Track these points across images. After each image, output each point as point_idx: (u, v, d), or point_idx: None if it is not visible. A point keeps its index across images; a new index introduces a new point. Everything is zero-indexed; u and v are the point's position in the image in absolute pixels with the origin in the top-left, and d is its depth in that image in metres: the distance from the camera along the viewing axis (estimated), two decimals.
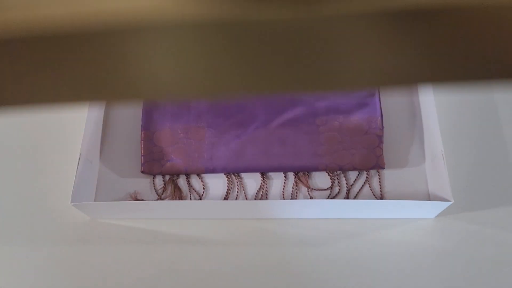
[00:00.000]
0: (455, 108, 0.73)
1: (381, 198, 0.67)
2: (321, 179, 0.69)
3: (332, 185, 0.68)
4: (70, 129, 0.73)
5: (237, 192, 0.69)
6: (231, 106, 0.71)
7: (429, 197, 0.67)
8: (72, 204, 0.61)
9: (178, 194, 0.68)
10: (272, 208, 0.64)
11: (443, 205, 0.61)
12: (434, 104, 0.67)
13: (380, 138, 0.68)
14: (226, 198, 0.68)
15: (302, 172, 0.69)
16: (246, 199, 0.68)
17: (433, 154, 0.67)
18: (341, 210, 0.64)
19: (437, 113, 0.66)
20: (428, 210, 0.63)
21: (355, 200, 0.62)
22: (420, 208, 0.63)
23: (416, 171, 0.69)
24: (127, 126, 0.73)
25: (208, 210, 0.65)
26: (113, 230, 0.66)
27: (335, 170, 0.68)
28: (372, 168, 0.68)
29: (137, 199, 0.68)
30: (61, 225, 0.67)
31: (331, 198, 0.68)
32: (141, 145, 0.69)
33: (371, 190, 0.68)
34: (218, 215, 0.66)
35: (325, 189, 0.68)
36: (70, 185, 0.62)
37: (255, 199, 0.68)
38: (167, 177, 0.70)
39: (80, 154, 0.65)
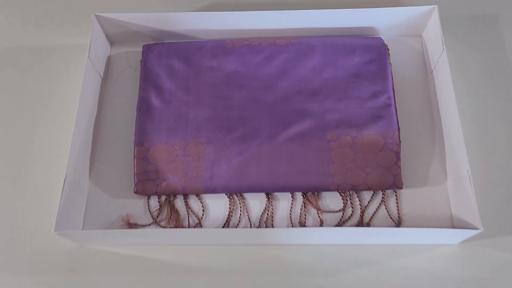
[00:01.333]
0: (481, 118, 0.66)
1: (399, 221, 0.61)
2: (332, 199, 0.62)
3: (345, 206, 0.62)
4: (55, 145, 0.66)
5: (240, 214, 0.62)
6: (233, 119, 0.64)
7: (452, 220, 0.60)
8: (56, 233, 0.55)
9: (174, 217, 0.62)
10: (279, 235, 0.58)
11: (471, 233, 0.54)
12: (457, 115, 0.60)
13: (397, 155, 0.62)
14: (227, 221, 0.62)
15: (311, 192, 0.62)
16: (250, 222, 0.61)
17: (456, 172, 0.60)
18: (356, 236, 0.58)
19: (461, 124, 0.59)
20: (452, 236, 0.57)
21: (370, 228, 0.56)
22: (443, 234, 0.56)
23: (437, 191, 0.62)
24: (119, 142, 0.66)
25: (207, 238, 0.59)
26: (103, 258, 0.60)
27: (347, 190, 0.61)
28: (389, 188, 0.61)
29: (129, 223, 0.61)
30: (45, 253, 0.60)
31: (344, 221, 0.61)
32: (134, 162, 0.63)
33: (387, 212, 0.61)
34: (219, 241, 0.60)
35: (336, 211, 0.62)
36: (56, 209, 0.56)
37: (259, 222, 0.61)
38: (163, 197, 0.63)
39: (66, 174, 0.58)
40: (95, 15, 0.68)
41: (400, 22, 0.70)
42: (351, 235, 0.57)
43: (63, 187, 0.57)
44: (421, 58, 0.71)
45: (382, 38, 0.70)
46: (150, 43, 0.70)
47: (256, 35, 0.72)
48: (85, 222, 0.62)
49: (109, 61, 0.72)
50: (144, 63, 0.68)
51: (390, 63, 0.67)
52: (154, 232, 0.57)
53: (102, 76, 0.70)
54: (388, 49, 0.68)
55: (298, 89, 0.65)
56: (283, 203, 0.62)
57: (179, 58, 0.67)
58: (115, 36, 0.73)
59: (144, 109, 0.65)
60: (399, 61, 0.70)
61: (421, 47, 0.72)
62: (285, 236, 0.57)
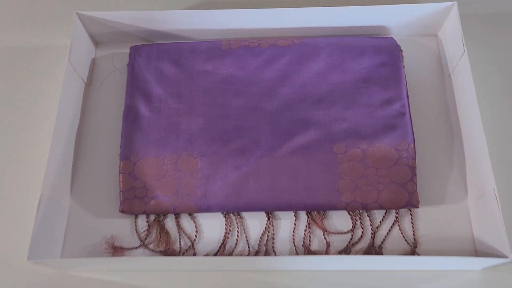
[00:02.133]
0: (507, 128, 0.60)
1: (415, 243, 0.54)
2: (340, 219, 0.56)
3: (354, 227, 0.55)
4: (31, 160, 0.60)
5: (237, 235, 0.56)
6: (229, 129, 0.58)
7: (474, 243, 0.54)
8: (29, 261, 0.49)
9: (164, 239, 0.56)
10: (280, 264, 0.51)
11: (497, 261, 0.48)
12: (480, 124, 0.53)
13: (413, 170, 0.55)
14: (223, 243, 0.55)
15: (316, 211, 0.56)
16: (248, 244, 0.55)
17: (479, 189, 0.54)
18: (366, 264, 0.52)
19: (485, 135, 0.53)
20: (475, 263, 0.51)
21: (382, 257, 0.49)
22: (466, 261, 0.50)
23: (457, 210, 0.56)
24: (104, 155, 0.60)
25: (200, 266, 0.52)
26: (85, 285, 0.54)
27: (357, 209, 0.55)
28: (403, 207, 0.55)
29: (114, 247, 0.55)
30: (20, 281, 0.54)
31: (353, 244, 0.55)
32: (119, 178, 0.57)
33: (401, 233, 0.55)
34: (214, 267, 0.54)
35: (345, 232, 0.55)
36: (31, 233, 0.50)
37: (259, 244, 0.55)
38: (152, 217, 0.57)
39: (42, 194, 0.52)
40: (77, 13, 0.62)
41: (414, 21, 0.64)
42: (361, 262, 0.50)
43: (38, 209, 0.51)
44: (437, 60, 0.65)
45: (394, 38, 0.63)
46: (139, 44, 0.64)
47: (255, 35, 0.66)
48: (65, 245, 0.56)
49: (93, 64, 0.66)
50: (131, 67, 0.62)
51: (404, 66, 0.61)
52: (139, 260, 0.51)
53: (85, 81, 0.64)
54: (401, 51, 0.61)
55: (302, 95, 0.59)
56: (285, 223, 0.56)
57: (169, 61, 0.61)
58: (101, 37, 0.66)
59: (130, 118, 0.59)
60: (413, 63, 0.64)
61: (436, 47, 0.66)
62: (287, 264, 0.51)
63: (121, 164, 0.57)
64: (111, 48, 0.67)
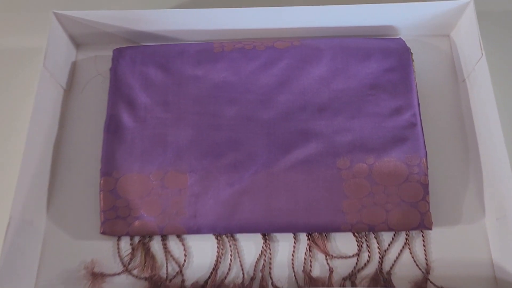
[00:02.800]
0: None
1: (427, 269, 0.49)
2: (344, 241, 0.51)
3: (360, 250, 0.50)
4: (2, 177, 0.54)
5: (231, 259, 0.51)
6: (222, 141, 0.52)
7: (492, 268, 0.49)
8: None
9: (150, 263, 0.50)
10: None
11: None
12: (501, 135, 0.48)
13: (425, 187, 0.50)
14: (215, 269, 0.50)
15: (318, 233, 0.50)
16: (242, 269, 0.50)
17: (499, 209, 0.48)
18: None
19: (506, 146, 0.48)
20: None
21: None
22: None
23: (473, 231, 0.51)
24: (84, 170, 0.54)
25: None
26: None
27: (363, 230, 0.50)
28: (415, 229, 0.49)
29: (94, 273, 0.50)
30: None
31: (359, 269, 0.50)
32: (100, 196, 0.51)
33: (412, 257, 0.50)
34: None
35: (349, 257, 0.50)
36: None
37: (254, 269, 0.50)
38: (136, 239, 0.52)
39: (11, 217, 0.46)
40: (54, 13, 0.56)
41: (425, 20, 0.58)
42: None
43: (6, 233, 0.45)
44: (450, 63, 0.59)
45: (403, 39, 0.57)
46: (123, 46, 0.58)
47: (250, 37, 0.60)
48: (40, 271, 0.50)
49: (74, 68, 0.60)
50: (114, 71, 0.56)
51: (414, 71, 0.55)
52: None
53: (64, 87, 0.58)
54: (412, 53, 0.56)
55: (302, 103, 0.53)
56: (284, 245, 0.51)
57: (156, 66, 0.55)
58: (82, 38, 0.61)
59: (113, 129, 0.53)
60: (423, 67, 0.58)
61: (449, 49, 0.60)
62: None
63: (101, 181, 0.52)
64: (94, 51, 0.61)
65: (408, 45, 0.57)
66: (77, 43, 0.61)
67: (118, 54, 0.57)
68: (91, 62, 0.60)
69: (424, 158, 0.51)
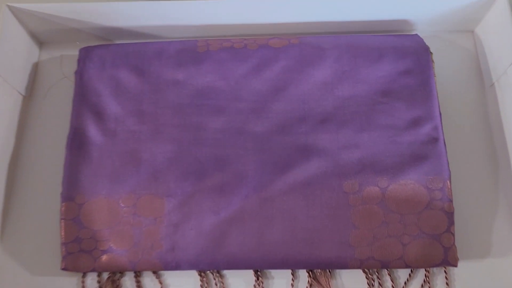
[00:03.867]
0: None
1: None
2: (351, 279, 0.43)
3: None
4: None
5: None
6: (206, 159, 0.44)
7: None
8: None
9: None
10: None
11: None
12: None
13: (450, 216, 0.42)
14: None
15: (320, 270, 0.42)
16: None
17: None
18: None
19: None
20: None
21: None
22: None
23: (505, 265, 0.43)
24: (44, 193, 0.47)
25: None
26: None
27: (375, 267, 0.42)
28: (437, 265, 0.42)
29: None
30: None
31: None
32: (61, 225, 0.43)
33: None
34: None
35: None
36: None
37: None
38: (105, 274, 0.44)
39: None
40: (9, 6, 0.48)
41: (445, 13, 0.50)
42: None
43: None
44: (474, 64, 0.51)
45: (420, 36, 0.49)
46: (92, 45, 0.50)
47: (241, 33, 0.53)
48: None
49: (36, 71, 0.52)
50: (80, 75, 0.48)
51: (435, 75, 0.47)
52: None
53: (23, 93, 0.50)
54: (431, 53, 0.47)
55: (301, 113, 0.46)
56: (279, 283, 0.44)
57: (129, 68, 0.48)
58: (46, 35, 0.53)
59: (76, 145, 0.45)
60: (443, 70, 0.50)
61: (473, 48, 0.52)
62: None
63: (62, 207, 0.44)
64: (60, 50, 0.53)
65: (426, 43, 0.48)
66: (40, 41, 0.53)
67: (84, 55, 0.49)
68: (56, 63, 0.52)
69: (448, 181, 0.42)
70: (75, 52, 0.51)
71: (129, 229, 0.43)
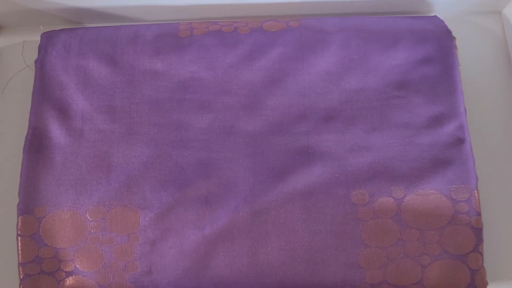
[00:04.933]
0: None
1: None
2: None
3: None
4: None
5: None
6: (189, 164, 0.38)
7: None
8: None
9: None
10: None
11: None
12: None
13: (478, 232, 0.36)
14: None
15: None
16: None
17: None
18: None
19: None
20: None
21: None
22: None
23: None
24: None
25: None
26: None
27: None
28: None
29: None
30: None
31: None
32: (17, 243, 0.37)
33: None
34: None
35: None
36: None
37: None
38: None
39: None
40: None
41: None
42: None
43: None
44: (503, 51, 0.45)
45: (440, 18, 0.42)
46: (56, 29, 0.43)
47: (230, 15, 0.46)
48: None
49: None
50: (41, 65, 0.41)
51: (459, 63, 0.40)
52: None
53: None
54: (454, 38, 0.41)
55: (301, 110, 0.39)
56: None
57: (99, 57, 0.41)
58: (5, 18, 0.46)
59: (35, 147, 0.39)
60: (466, 57, 0.44)
61: (501, 32, 0.45)
62: None
63: (19, 221, 0.37)
64: (22, 34, 0.47)
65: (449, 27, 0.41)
66: None
67: (46, 41, 0.42)
68: (18, 50, 0.46)
69: (475, 191, 0.36)
70: (39, 38, 0.44)
71: (97, 247, 0.37)
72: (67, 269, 0.37)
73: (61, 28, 0.44)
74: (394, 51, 0.40)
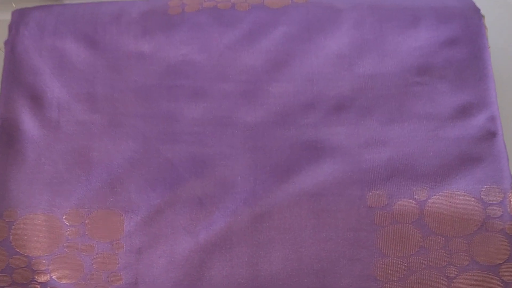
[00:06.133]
0: None
1: None
2: None
3: None
4: None
5: None
6: (180, 161, 0.35)
7: None
8: None
9: None
10: None
11: None
12: None
13: None
14: None
15: None
16: None
17: None
18: None
19: None
20: None
21: None
22: None
23: None
24: None
25: None
26: None
27: None
28: None
29: None
30: None
31: None
32: None
33: None
34: None
35: None
36: None
37: None
38: None
39: None
40: None
41: None
42: None
43: None
44: None
45: None
46: (30, 6, 0.38)
47: None
48: None
49: None
50: (11, 47, 0.37)
51: (489, 46, 0.35)
52: None
53: None
54: (483, 16, 0.36)
55: (309, 98, 0.35)
56: None
57: (78, 37, 0.37)
58: None
59: (5, 141, 0.36)
60: (496, 37, 0.40)
61: None
62: None
63: None
64: None
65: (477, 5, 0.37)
66: None
67: (18, 19, 0.37)
68: None
69: (510, 192, 0.32)
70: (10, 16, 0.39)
71: (76, 255, 0.33)
72: (42, 280, 0.33)
73: (35, 5, 0.39)
74: (414, 31, 0.36)
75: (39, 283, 0.33)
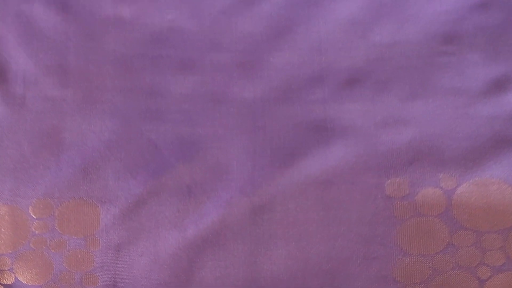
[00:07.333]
0: None
1: None
2: None
3: None
4: None
5: None
6: (165, 144, 0.31)
7: None
8: None
9: None
10: None
11: None
12: None
13: None
14: None
15: None
16: None
17: None
18: None
19: None
20: None
21: None
22: None
23: None
24: None
25: None
26: None
27: None
28: None
29: None
30: None
31: None
32: None
33: None
34: None
35: None
36: None
37: None
38: None
39: None
40: None
41: None
42: None
43: None
44: None
45: None
46: None
47: None
48: None
49: None
50: None
51: None
52: None
53: None
54: None
55: (316, 70, 0.32)
56: None
57: (46, 0, 0.34)
58: None
59: None
60: None
61: None
62: None
63: None
64: None
65: None
66: None
67: None
68: None
69: None
70: None
71: (45, 253, 0.30)
72: (6, 282, 0.30)
73: None
74: None
75: (2, 284, 0.30)
